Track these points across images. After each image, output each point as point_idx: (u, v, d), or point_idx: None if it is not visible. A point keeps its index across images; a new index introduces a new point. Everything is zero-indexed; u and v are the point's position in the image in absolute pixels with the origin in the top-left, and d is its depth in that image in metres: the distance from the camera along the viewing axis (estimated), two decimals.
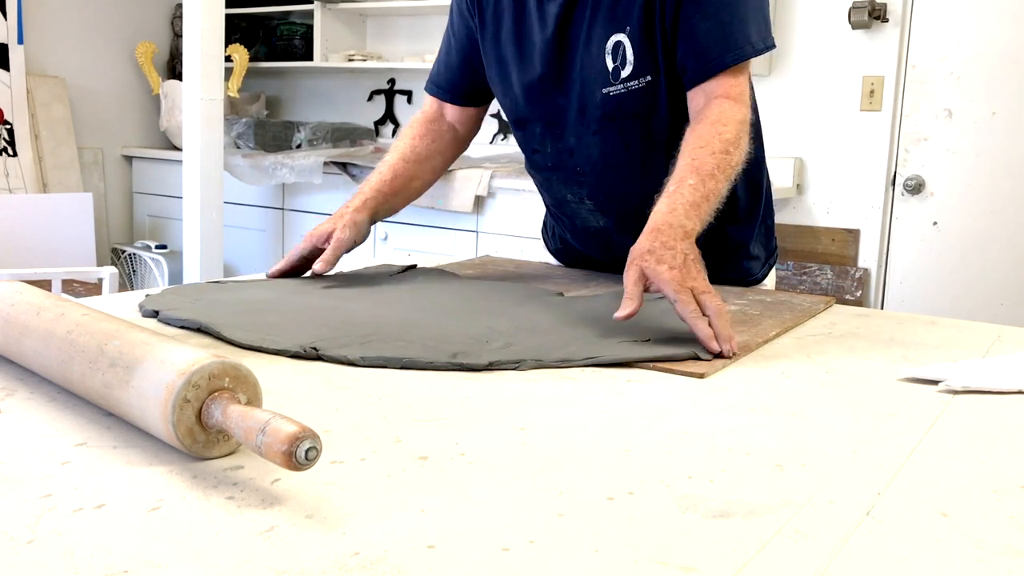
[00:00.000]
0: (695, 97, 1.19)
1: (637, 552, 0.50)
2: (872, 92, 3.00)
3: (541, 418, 0.73)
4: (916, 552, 0.52)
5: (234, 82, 3.94)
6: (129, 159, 4.17)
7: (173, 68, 4.23)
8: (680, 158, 1.10)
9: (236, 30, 4.15)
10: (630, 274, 0.97)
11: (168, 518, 0.52)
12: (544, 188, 1.41)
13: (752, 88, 1.25)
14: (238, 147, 3.74)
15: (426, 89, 1.47)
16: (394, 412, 0.73)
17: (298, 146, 3.75)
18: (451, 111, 1.45)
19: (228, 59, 3.75)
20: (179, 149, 3.80)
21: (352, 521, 0.53)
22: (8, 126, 3.61)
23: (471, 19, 1.36)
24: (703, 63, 1.16)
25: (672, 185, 1.07)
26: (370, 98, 4.12)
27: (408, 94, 4.02)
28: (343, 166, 3.35)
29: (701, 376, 0.87)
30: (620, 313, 0.94)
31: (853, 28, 2.99)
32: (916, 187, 3.00)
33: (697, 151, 1.09)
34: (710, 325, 0.92)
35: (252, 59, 4.08)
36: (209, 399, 0.60)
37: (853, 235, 3.08)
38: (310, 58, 3.98)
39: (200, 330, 0.99)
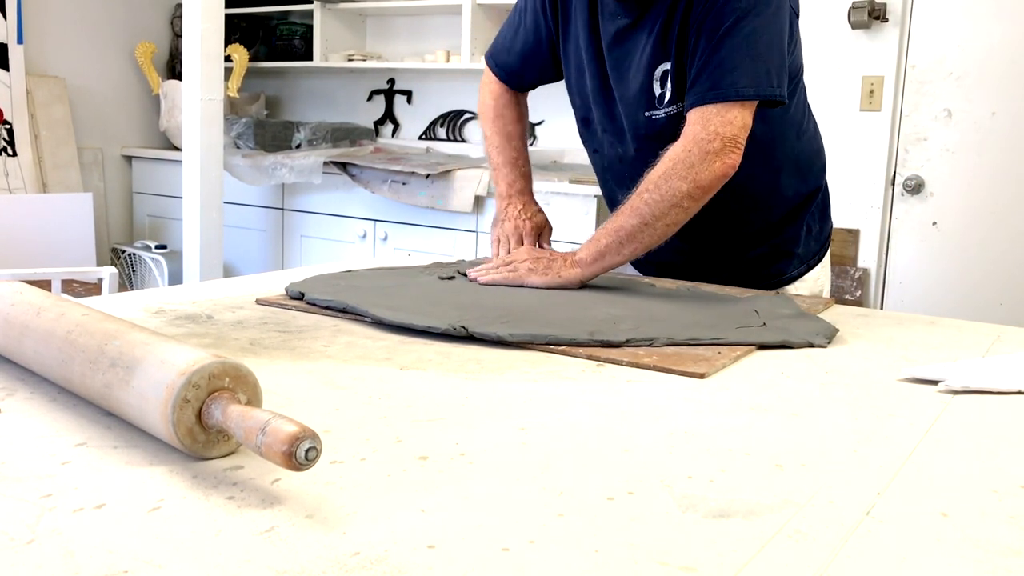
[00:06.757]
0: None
1: (637, 552, 0.50)
2: (872, 92, 3.00)
3: (541, 418, 0.73)
4: (916, 552, 0.52)
5: (234, 82, 3.94)
6: (129, 159, 4.17)
7: (173, 68, 4.23)
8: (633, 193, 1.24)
9: (236, 30, 4.15)
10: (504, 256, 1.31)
11: (168, 518, 0.52)
12: (601, 184, 1.55)
13: (799, 112, 1.38)
14: (238, 147, 3.74)
15: (490, 67, 1.56)
16: (394, 412, 0.73)
17: (298, 146, 3.75)
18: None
19: (228, 59, 3.75)
20: (179, 149, 3.79)
21: (352, 521, 0.53)
22: (8, 126, 3.61)
23: (548, 19, 1.44)
24: (689, 97, 1.24)
25: (607, 223, 1.25)
26: (370, 98, 4.11)
27: (408, 94, 4.01)
28: (343, 166, 3.35)
29: (701, 376, 0.87)
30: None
31: (853, 28, 2.99)
32: (916, 187, 2.99)
33: (638, 194, 1.23)
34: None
35: (252, 59, 4.08)
36: (209, 399, 0.60)
37: (853, 235, 3.07)
38: (310, 58, 3.97)
39: (345, 311, 1.06)
